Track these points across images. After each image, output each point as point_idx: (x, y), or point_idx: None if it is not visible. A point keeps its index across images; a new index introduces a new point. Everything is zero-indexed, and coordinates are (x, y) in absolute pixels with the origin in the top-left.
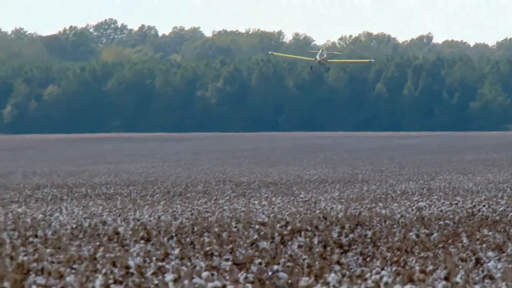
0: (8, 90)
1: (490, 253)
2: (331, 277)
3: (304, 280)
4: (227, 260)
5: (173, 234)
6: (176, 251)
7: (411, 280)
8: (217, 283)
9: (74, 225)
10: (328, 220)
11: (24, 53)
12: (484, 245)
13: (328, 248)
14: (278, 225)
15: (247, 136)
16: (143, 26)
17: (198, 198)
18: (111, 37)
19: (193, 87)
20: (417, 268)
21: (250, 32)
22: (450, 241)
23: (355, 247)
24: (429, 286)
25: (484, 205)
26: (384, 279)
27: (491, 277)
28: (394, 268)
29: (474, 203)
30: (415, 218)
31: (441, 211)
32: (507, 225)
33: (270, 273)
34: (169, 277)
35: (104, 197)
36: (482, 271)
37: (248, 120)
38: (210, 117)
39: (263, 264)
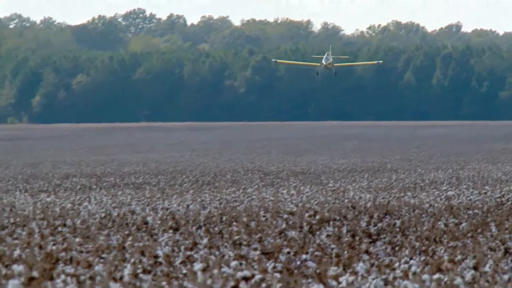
0: (37, 79)
1: None
2: (360, 267)
3: (333, 270)
4: (255, 249)
5: (202, 224)
6: (205, 241)
7: (439, 270)
8: (245, 272)
9: (103, 215)
10: (357, 210)
11: (53, 42)
12: None
13: (357, 238)
14: (307, 214)
15: (275, 125)
16: (171, 15)
17: (226, 187)
18: (140, 26)
19: (221, 77)
20: (445, 257)
21: (279, 21)
22: (479, 230)
23: (383, 237)
24: (457, 275)
25: None
26: (413, 268)
27: None
28: (423, 257)
29: (503, 193)
30: (444, 207)
31: (470, 200)
32: None
33: (298, 262)
34: (197, 266)
35: (133, 187)
36: (511, 261)
37: (276, 109)
38: (239, 106)
39: (292, 254)
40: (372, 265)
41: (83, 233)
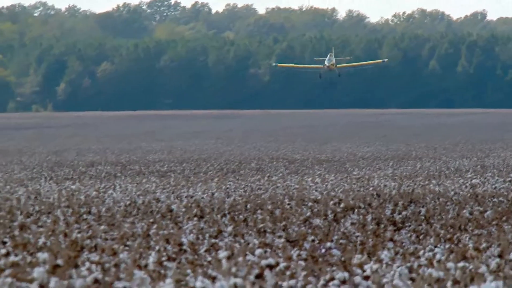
0: (61, 67)
1: None
2: (384, 254)
3: (357, 257)
4: (280, 237)
5: (226, 212)
6: (229, 228)
7: (464, 258)
8: (270, 260)
9: (128, 202)
10: (382, 198)
11: (77, 30)
12: None
13: (381, 226)
14: (331, 202)
15: (299, 113)
16: (196, 3)
17: (251, 175)
18: (164, 14)
19: (246, 65)
20: (470, 245)
21: (303, 10)
22: (504, 218)
23: (408, 225)
24: (482, 263)
25: None
26: (437, 256)
27: None
28: (448, 245)
29: None
30: (468, 195)
31: (495, 188)
32: None
33: (323, 250)
34: (222, 254)
35: (158, 174)
36: None
37: (300, 97)
38: (263, 94)
39: (316, 241)
40: (396, 253)
41: (108, 220)
